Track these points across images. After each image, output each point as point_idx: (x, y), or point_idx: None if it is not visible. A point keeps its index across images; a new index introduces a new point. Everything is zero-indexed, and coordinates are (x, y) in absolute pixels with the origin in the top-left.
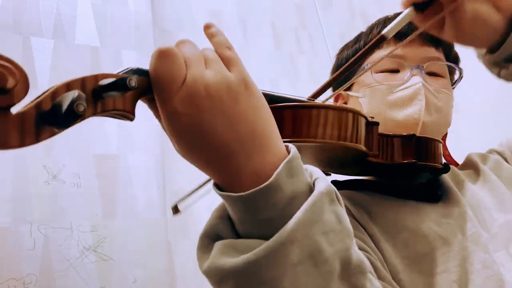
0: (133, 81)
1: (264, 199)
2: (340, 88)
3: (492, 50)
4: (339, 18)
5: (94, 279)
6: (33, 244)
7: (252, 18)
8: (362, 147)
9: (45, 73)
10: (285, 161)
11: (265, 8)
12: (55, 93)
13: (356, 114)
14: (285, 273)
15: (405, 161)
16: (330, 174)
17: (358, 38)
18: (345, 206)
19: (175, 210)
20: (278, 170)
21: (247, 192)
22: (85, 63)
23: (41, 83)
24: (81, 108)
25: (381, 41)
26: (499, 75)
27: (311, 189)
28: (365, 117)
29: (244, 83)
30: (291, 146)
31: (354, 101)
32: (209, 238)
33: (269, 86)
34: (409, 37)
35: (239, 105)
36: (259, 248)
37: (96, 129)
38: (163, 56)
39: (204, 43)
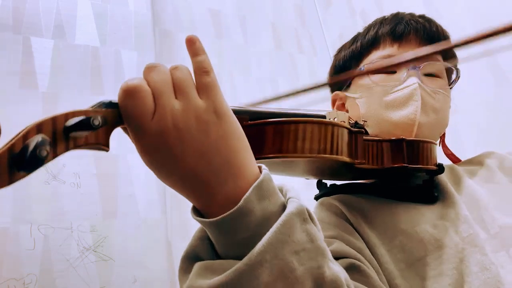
0: (97, 120)
1: (235, 223)
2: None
3: None
4: (339, 18)
5: (94, 279)
6: (33, 244)
7: (252, 18)
8: (345, 158)
9: (45, 73)
10: (254, 185)
11: (265, 8)
12: (25, 136)
13: (336, 126)
14: None
15: (395, 165)
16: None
17: (355, 39)
18: (341, 211)
19: None
20: (246, 194)
21: (218, 218)
22: (85, 63)
23: (41, 83)
24: (44, 153)
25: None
26: None
27: (284, 209)
28: (348, 128)
29: (215, 110)
30: (264, 167)
31: (351, 102)
32: (189, 259)
33: (269, 86)
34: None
35: (210, 136)
36: (230, 270)
37: None
38: (129, 93)
39: (204, 44)
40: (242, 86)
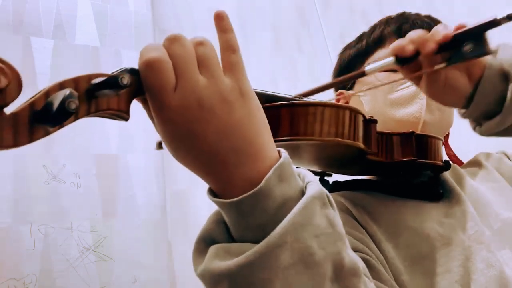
0: (125, 79)
1: (254, 205)
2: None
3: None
4: (339, 18)
5: (94, 279)
6: (33, 244)
7: (252, 18)
8: (360, 144)
9: (45, 73)
10: (274, 167)
11: (265, 8)
12: (48, 93)
13: (353, 111)
14: (276, 276)
15: (405, 159)
16: (331, 175)
17: (360, 38)
18: (346, 207)
19: (159, 146)
20: (267, 176)
21: (236, 198)
22: (85, 63)
23: (41, 83)
24: (73, 106)
25: (361, 75)
26: (474, 129)
27: (303, 194)
28: (363, 115)
29: (240, 90)
30: (283, 151)
31: (356, 100)
32: (204, 242)
33: (269, 86)
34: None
35: (233, 115)
36: (249, 251)
37: (96, 129)
38: (149, 66)
39: None
40: None
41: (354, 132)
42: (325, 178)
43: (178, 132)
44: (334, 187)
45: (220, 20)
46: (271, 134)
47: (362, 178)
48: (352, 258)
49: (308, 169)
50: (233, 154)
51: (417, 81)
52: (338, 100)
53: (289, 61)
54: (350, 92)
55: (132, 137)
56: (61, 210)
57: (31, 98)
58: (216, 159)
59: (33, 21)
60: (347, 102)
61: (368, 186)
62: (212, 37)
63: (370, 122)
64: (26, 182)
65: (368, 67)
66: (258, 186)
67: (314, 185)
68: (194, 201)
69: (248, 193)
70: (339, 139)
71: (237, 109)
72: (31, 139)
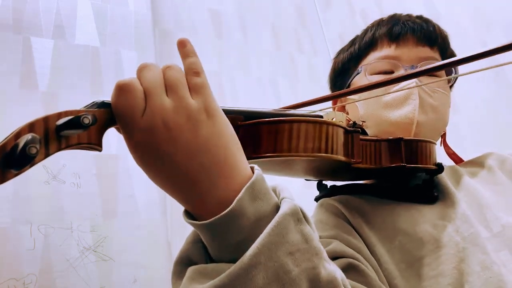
0: (87, 119)
1: (228, 225)
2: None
3: None
4: (339, 18)
5: (94, 279)
6: (33, 244)
7: (252, 18)
8: (340, 157)
9: (45, 73)
10: (246, 186)
11: (265, 8)
12: (17, 135)
13: (330, 125)
14: None
15: (393, 165)
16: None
17: (353, 41)
18: (341, 211)
19: None
20: (239, 196)
21: (210, 220)
22: (85, 63)
23: (41, 83)
24: (33, 151)
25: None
26: None
27: (278, 209)
28: (343, 127)
29: (206, 110)
30: (256, 168)
31: (351, 103)
32: (182, 264)
33: (269, 86)
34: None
35: (200, 134)
36: (223, 274)
37: None
38: (120, 90)
39: (204, 44)
40: (242, 86)
41: (332, 146)
42: (324, 182)
43: (148, 154)
44: (331, 191)
45: (182, 47)
46: (243, 152)
47: (359, 182)
48: (329, 271)
49: (306, 179)
50: (204, 173)
51: None
52: (334, 104)
53: (289, 61)
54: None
55: None
56: (61, 210)
57: (4, 139)
58: (186, 179)
59: (33, 21)
60: (343, 107)
61: (363, 190)
62: (212, 36)
63: (352, 133)
64: (26, 182)
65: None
66: (230, 207)
67: (287, 202)
68: None
69: (220, 215)
70: (317, 154)
71: (204, 128)
72: (2, 181)
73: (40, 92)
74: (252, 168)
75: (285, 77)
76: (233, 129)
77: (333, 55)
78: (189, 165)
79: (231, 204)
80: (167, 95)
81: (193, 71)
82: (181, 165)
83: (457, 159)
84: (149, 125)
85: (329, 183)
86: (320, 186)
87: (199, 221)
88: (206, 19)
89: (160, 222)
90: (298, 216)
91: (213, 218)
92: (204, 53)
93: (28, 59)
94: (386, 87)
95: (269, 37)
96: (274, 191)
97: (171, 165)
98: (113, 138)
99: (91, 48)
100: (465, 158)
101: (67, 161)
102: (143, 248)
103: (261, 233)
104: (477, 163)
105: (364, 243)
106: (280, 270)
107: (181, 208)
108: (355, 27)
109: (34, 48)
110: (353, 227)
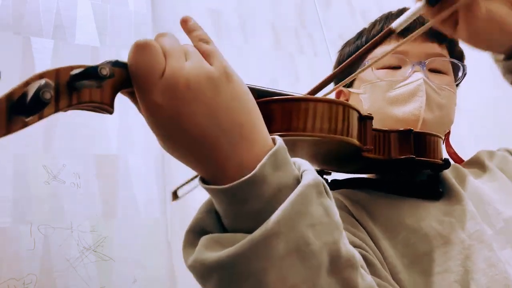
0: (105, 70)
1: (248, 192)
2: (340, 84)
3: (509, 56)
4: (339, 18)
5: (94, 279)
6: (33, 244)
7: (252, 18)
8: (355, 140)
9: None
10: (270, 153)
11: (265, 8)
12: (27, 83)
13: (347, 107)
14: (271, 266)
15: (403, 157)
16: (330, 173)
17: (360, 34)
18: (344, 205)
19: (175, 196)
20: (262, 162)
21: (230, 185)
22: (85, 63)
23: None
24: (47, 96)
25: (388, 35)
26: (504, 76)
27: (298, 182)
28: (358, 111)
29: (225, 74)
30: (278, 138)
31: (355, 97)
32: (195, 233)
33: (269, 86)
34: (417, 31)
35: (221, 96)
36: (243, 240)
37: (96, 129)
38: (140, 48)
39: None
40: None
41: (347, 128)
42: (324, 176)
43: (167, 116)
44: (333, 185)
45: (185, 24)
46: (263, 120)
47: (362, 176)
48: (349, 249)
49: None
50: (224, 137)
51: (453, 27)
52: (338, 97)
53: (289, 61)
54: (349, 89)
55: (132, 137)
56: (61, 210)
57: (10, 89)
58: (206, 142)
59: (33, 21)
60: (347, 100)
61: (367, 184)
62: (211, 36)
63: (365, 119)
64: (26, 182)
65: (396, 22)
66: (252, 172)
67: (310, 173)
68: (194, 201)
69: (242, 179)
70: (332, 135)
71: (224, 91)
72: (8, 130)
73: None
74: (273, 139)
75: (285, 77)
76: (252, 96)
77: (333, 55)
78: (210, 127)
79: (252, 170)
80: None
81: (202, 40)
82: (202, 126)
83: (457, 159)
84: (170, 85)
85: (329, 177)
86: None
87: (217, 186)
88: (206, 19)
89: (160, 222)
90: (320, 188)
91: (234, 183)
92: None
93: (28, 59)
94: (391, 83)
95: (269, 37)
96: (294, 164)
97: (191, 126)
98: (113, 138)
99: (91, 48)
100: (465, 158)
101: (67, 161)
102: (143, 248)
103: (280, 204)
104: (476, 162)
105: (369, 236)
106: (301, 241)
107: (181, 208)
108: (355, 27)
109: (34, 48)
110: (357, 221)
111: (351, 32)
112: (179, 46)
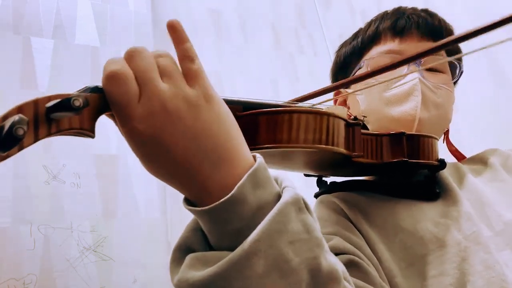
0: (78, 101)
1: (228, 212)
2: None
3: None
4: (339, 18)
5: (94, 279)
6: (33, 244)
7: (252, 18)
8: (341, 149)
9: (45, 73)
10: (248, 172)
11: (265, 8)
12: (5, 117)
13: (331, 116)
14: (251, 285)
15: (395, 160)
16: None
17: (356, 35)
18: (341, 208)
19: None
20: (240, 182)
21: (210, 206)
22: (85, 63)
23: (41, 83)
24: (20, 132)
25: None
26: None
27: (279, 198)
28: (344, 119)
29: (204, 96)
30: (258, 156)
31: (353, 98)
32: (181, 251)
33: (269, 86)
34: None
35: (200, 119)
36: (223, 260)
37: (96, 129)
38: (109, 79)
39: (204, 44)
40: (242, 86)
41: (332, 137)
42: (323, 178)
43: (147, 141)
44: (331, 188)
45: (174, 32)
46: (244, 140)
47: (359, 179)
48: (330, 262)
49: (305, 174)
50: (205, 158)
51: None
52: (336, 99)
53: (289, 61)
54: (347, 90)
55: None
56: (61, 210)
57: None
58: (188, 164)
59: (33, 21)
60: (345, 101)
61: (364, 187)
62: (212, 36)
63: (353, 126)
64: (26, 182)
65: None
66: (231, 193)
67: (289, 190)
68: None
69: (221, 200)
70: (317, 145)
71: (203, 113)
72: None
73: (40, 92)
74: (254, 157)
75: (285, 77)
76: (233, 116)
77: (333, 55)
78: (190, 150)
79: (231, 190)
80: (162, 81)
81: (188, 58)
82: (182, 150)
83: (459, 156)
84: (147, 111)
85: (328, 179)
86: (320, 183)
87: (198, 208)
88: (206, 19)
89: (160, 222)
90: (300, 205)
91: (213, 204)
92: (204, 53)
93: (28, 59)
94: (388, 83)
95: (269, 37)
96: (276, 180)
97: (172, 150)
98: (113, 138)
99: (91, 48)
100: (466, 156)
101: (67, 161)
102: (143, 248)
103: (259, 222)
104: (480, 160)
105: (365, 240)
106: (280, 259)
107: (181, 208)
108: (355, 27)
109: (34, 48)
110: (353, 224)
111: (351, 32)
112: (154, 66)
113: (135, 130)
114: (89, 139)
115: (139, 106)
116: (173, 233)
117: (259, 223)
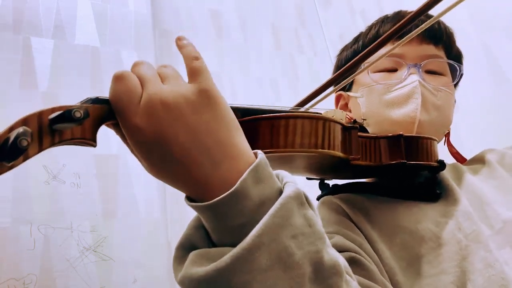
0: (79, 113)
1: (230, 207)
2: (336, 87)
3: None
4: (339, 18)
5: (94, 279)
6: (33, 244)
7: (252, 18)
8: (338, 153)
9: (45, 73)
10: (250, 168)
11: (265, 8)
12: (11, 129)
13: (327, 121)
14: (255, 278)
15: (393, 162)
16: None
17: (357, 39)
18: (342, 208)
19: None
20: (243, 177)
21: (212, 201)
22: (85, 63)
23: (41, 83)
24: (24, 143)
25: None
26: None
27: (280, 194)
28: (340, 123)
29: (206, 93)
30: (259, 152)
31: (353, 101)
32: (184, 248)
33: (269, 86)
34: (409, 36)
35: (201, 116)
36: (226, 256)
37: None
38: (117, 79)
39: (204, 44)
40: (242, 86)
41: (329, 141)
42: (325, 181)
43: (149, 138)
44: (333, 190)
45: (180, 41)
46: (244, 137)
47: (360, 181)
48: (332, 256)
49: (307, 177)
50: (207, 154)
51: None
52: (337, 101)
53: (289, 61)
54: (348, 93)
55: None
56: (61, 210)
57: None
58: (188, 161)
59: (33, 21)
60: (346, 104)
61: (365, 189)
62: (212, 36)
63: (350, 129)
64: (26, 182)
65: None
66: (233, 188)
67: (291, 185)
68: None
69: (224, 195)
70: (313, 149)
71: (204, 110)
72: None
73: (40, 92)
74: (255, 153)
75: (285, 77)
76: (234, 114)
77: (333, 55)
78: (191, 146)
79: (233, 185)
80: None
81: (192, 57)
82: (184, 146)
83: (460, 159)
84: (148, 108)
85: (330, 182)
86: (322, 186)
87: (200, 203)
88: (206, 19)
89: (160, 222)
90: (301, 200)
91: (216, 199)
92: (204, 53)
93: (28, 59)
94: (388, 86)
95: (269, 37)
96: (277, 177)
97: (173, 146)
98: (113, 138)
99: (91, 48)
100: (466, 157)
101: (67, 161)
102: (143, 248)
103: (263, 216)
104: (477, 160)
105: (366, 239)
106: (283, 253)
107: (181, 208)
108: (355, 27)
109: (34, 48)
110: (355, 224)
111: (351, 32)
112: (154, 72)
113: (137, 127)
114: None
115: (141, 106)
116: (173, 233)
117: (261, 218)
